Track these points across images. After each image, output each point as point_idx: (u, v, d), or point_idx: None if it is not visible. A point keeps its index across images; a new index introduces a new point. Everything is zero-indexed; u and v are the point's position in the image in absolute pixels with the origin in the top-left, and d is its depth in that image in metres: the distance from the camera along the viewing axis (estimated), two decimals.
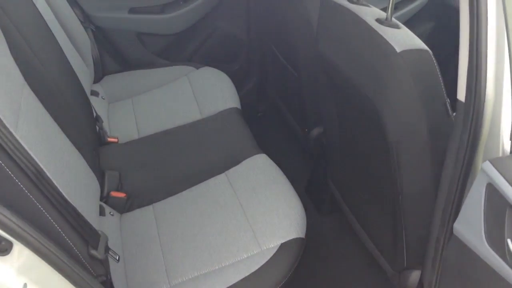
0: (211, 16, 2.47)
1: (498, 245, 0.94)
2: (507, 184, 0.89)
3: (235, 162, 1.72)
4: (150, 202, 1.64)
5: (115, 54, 2.43)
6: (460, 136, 1.04)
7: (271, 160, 1.73)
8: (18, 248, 0.90)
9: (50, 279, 0.98)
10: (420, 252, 1.34)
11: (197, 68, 2.29)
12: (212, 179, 1.68)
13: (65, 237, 1.04)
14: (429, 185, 1.25)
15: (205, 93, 2.12)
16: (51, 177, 1.06)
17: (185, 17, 2.42)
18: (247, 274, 1.35)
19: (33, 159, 1.00)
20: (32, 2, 1.63)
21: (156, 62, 2.46)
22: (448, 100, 1.19)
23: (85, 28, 2.23)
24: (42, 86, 1.40)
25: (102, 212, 1.54)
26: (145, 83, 2.27)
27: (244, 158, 1.73)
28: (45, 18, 1.71)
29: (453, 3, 2.32)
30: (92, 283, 1.06)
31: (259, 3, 2.37)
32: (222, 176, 1.68)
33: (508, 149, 1.01)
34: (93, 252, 1.12)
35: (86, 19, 2.28)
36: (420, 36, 1.20)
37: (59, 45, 1.71)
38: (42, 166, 1.03)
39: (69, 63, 1.75)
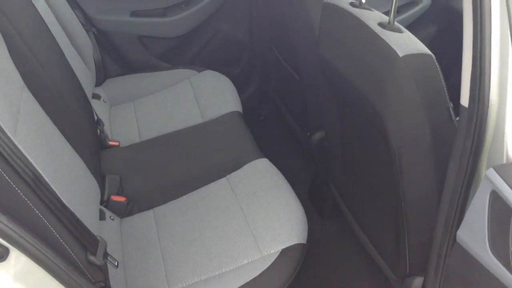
0: (213, 19, 2.47)
1: (502, 254, 0.92)
2: (511, 192, 0.87)
3: (237, 166, 1.71)
4: (151, 206, 1.63)
5: (117, 57, 2.42)
6: (464, 142, 1.02)
7: (273, 165, 1.72)
8: (15, 255, 0.89)
9: (47, 286, 0.96)
10: (423, 259, 1.32)
11: (199, 71, 2.28)
12: (213, 183, 1.67)
13: (63, 243, 1.02)
14: (432, 191, 1.23)
15: (207, 97, 2.12)
16: (49, 182, 1.05)
17: (187, 21, 2.41)
18: (247, 280, 1.33)
19: (31, 164, 0.99)
20: (33, 4, 1.62)
21: (158, 65, 2.46)
22: (451, 105, 1.18)
23: (87, 31, 2.23)
24: (42, 89, 1.39)
25: (102, 217, 1.52)
26: (146, 86, 2.27)
27: (246, 162, 1.72)
28: (46, 20, 1.71)
29: (456, 6, 2.31)
30: None
31: (261, 7, 2.37)
32: (223, 181, 1.67)
33: None
34: (92, 258, 1.11)
35: (88, 22, 2.28)
36: (423, 40, 1.18)
37: (59, 48, 1.70)
38: (40, 171, 1.02)
39: (70, 66, 1.74)
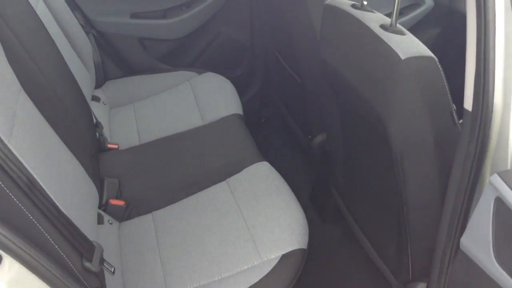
0: (214, 21, 2.45)
1: (507, 262, 0.90)
2: None
3: (237, 169, 1.69)
4: (150, 210, 1.62)
5: (117, 59, 2.41)
6: (467, 146, 1.00)
7: (273, 168, 1.70)
8: (8, 262, 0.87)
9: None
10: (426, 264, 1.30)
11: (200, 73, 2.27)
12: (213, 187, 1.65)
13: (58, 249, 1.00)
14: (435, 196, 1.21)
15: (207, 99, 2.10)
16: (44, 187, 1.03)
17: (188, 22, 2.40)
18: (247, 286, 1.32)
19: (25, 168, 0.97)
20: (31, 6, 1.60)
21: (158, 67, 2.44)
22: (454, 107, 1.16)
23: (87, 33, 2.21)
24: (40, 92, 1.38)
25: (100, 221, 1.51)
26: (147, 88, 2.25)
27: (246, 166, 1.70)
28: (45, 22, 1.69)
29: (460, 8, 2.30)
30: None
31: (262, 8, 2.36)
32: (223, 184, 1.65)
33: None
34: (87, 264, 1.09)
35: (88, 24, 2.26)
36: (425, 42, 1.16)
37: (58, 50, 1.68)
38: (35, 175, 1.01)
39: (68, 68, 1.73)
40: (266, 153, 1.82)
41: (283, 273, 1.35)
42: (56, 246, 1.00)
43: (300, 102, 2.07)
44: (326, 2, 1.45)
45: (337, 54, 1.42)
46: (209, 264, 1.39)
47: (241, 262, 1.37)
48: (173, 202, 1.62)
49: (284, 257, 1.37)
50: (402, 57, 1.09)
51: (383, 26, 1.20)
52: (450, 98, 1.15)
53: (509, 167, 0.97)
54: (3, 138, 0.96)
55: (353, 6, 1.35)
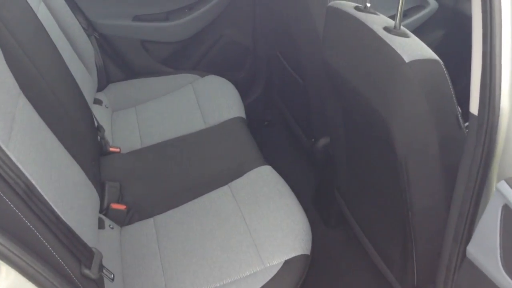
0: (217, 24, 2.44)
1: None
2: None
3: (239, 173, 1.68)
4: (151, 214, 1.60)
5: (119, 62, 2.40)
6: (473, 151, 0.98)
7: (276, 172, 1.68)
8: (5, 269, 0.86)
9: None
10: (431, 271, 1.28)
11: (202, 76, 2.26)
12: (215, 191, 1.63)
13: (56, 256, 0.99)
14: (440, 201, 1.19)
15: (210, 102, 2.09)
16: (42, 192, 1.01)
17: (190, 25, 2.39)
18: None
19: (23, 174, 0.96)
20: (31, 9, 1.59)
21: (160, 70, 2.43)
22: (459, 110, 1.14)
23: (89, 35, 2.20)
24: (40, 96, 1.36)
25: (101, 225, 1.50)
26: (149, 91, 2.24)
27: (248, 170, 1.68)
28: (47, 25, 1.68)
29: (464, 10, 2.27)
30: None
31: (265, 11, 2.34)
32: (225, 188, 1.64)
33: None
34: (86, 271, 1.07)
35: (90, 27, 2.25)
36: (430, 44, 1.15)
37: (59, 53, 1.67)
38: (33, 181, 0.99)
39: (69, 71, 1.71)
40: (269, 156, 1.81)
41: (285, 280, 1.33)
42: (54, 253, 0.98)
43: (303, 105, 2.06)
44: (329, 4, 1.44)
45: (340, 56, 1.41)
46: (210, 269, 1.37)
47: (243, 268, 1.36)
48: (174, 207, 1.61)
49: (287, 263, 1.36)
50: (407, 60, 1.07)
51: (386, 29, 1.18)
52: (455, 101, 1.13)
53: None
54: (0, 143, 0.94)
55: (356, 8, 1.33)
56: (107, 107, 2.16)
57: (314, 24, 1.68)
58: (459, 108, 1.15)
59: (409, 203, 1.25)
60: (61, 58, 1.68)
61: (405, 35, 1.16)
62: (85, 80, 1.95)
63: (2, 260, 0.84)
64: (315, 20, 1.67)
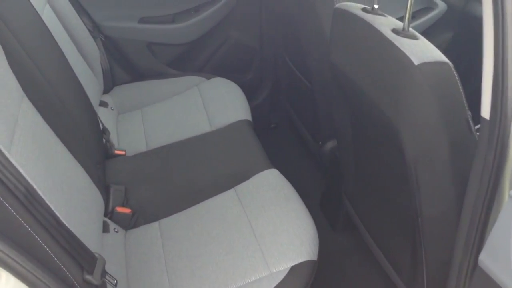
0: (223, 26, 2.43)
1: None
2: None
3: (245, 177, 1.66)
4: (156, 218, 1.59)
5: (125, 64, 2.39)
6: (485, 156, 0.95)
7: (283, 176, 1.66)
8: (5, 276, 0.84)
9: None
10: (442, 278, 1.25)
11: (208, 78, 2.25)
12: (221, 195, 1.62)
13: (58, 261, 0.97)
14: (451, 207, 1.17)
15: (216, 105, 2.07)
16: (44, 197, 1.00)
17: (196, 27, 2.38)
18: None
19: (24, 178, 0.94)
20: (36, 11, 1.59)
21: (166, 72, 2.42)
22: (470, 113, 1.11)
23: (94, 38, 2.20)
24: (44, 99, 1.35)
25: (106, 229, 1.48)
26: (155, 93, 2.23)
27: (254, 173, 1.67)
28: (52, 27, 1.68)
29: (474, 11, 2.25)
30: None
31: (272, 13, 2.33)
32: (230, 192, 1.62)
33: None
34: (88, 277, 1.06)
35: (96, 29, 2.25)
36: (439, 46, 1.12)
37: (63, 55, 1.66)
38: (34, 185, 0.97)
39: (74, 73, 1.71)
40: (275, 160, 1.79)
41: (291, 286, 1.31)
42: (56, 259, 0.97)
43: (310, 108, 2.04)
44: (336, 5, 1.41)
45: (347, 59, 1.39)
46: (216, 275, 1.35)
47: (249, 273, 1.34)
48: (180, 210, 1.59)
49: (293, 268, 1.33)
50: (416, 63, 1.05)
51: (395, 31, 1.16)
52: (466, 105, 1.10)
53: None
54: (1, 146, 0.93)
55: (364, 9, 1.31)
56: (112, 110, 2.15)
57: (321, 26, 1.66)
58: (470, 112, 1.12)
59: (418, 209, 1.22)
60: (66, 60, 1.68)
61: (414, 37, 1.13)
62: (91, 83, 1.95)
63: (1, 266, 0.83)
64: (322, 22, 1.65)
